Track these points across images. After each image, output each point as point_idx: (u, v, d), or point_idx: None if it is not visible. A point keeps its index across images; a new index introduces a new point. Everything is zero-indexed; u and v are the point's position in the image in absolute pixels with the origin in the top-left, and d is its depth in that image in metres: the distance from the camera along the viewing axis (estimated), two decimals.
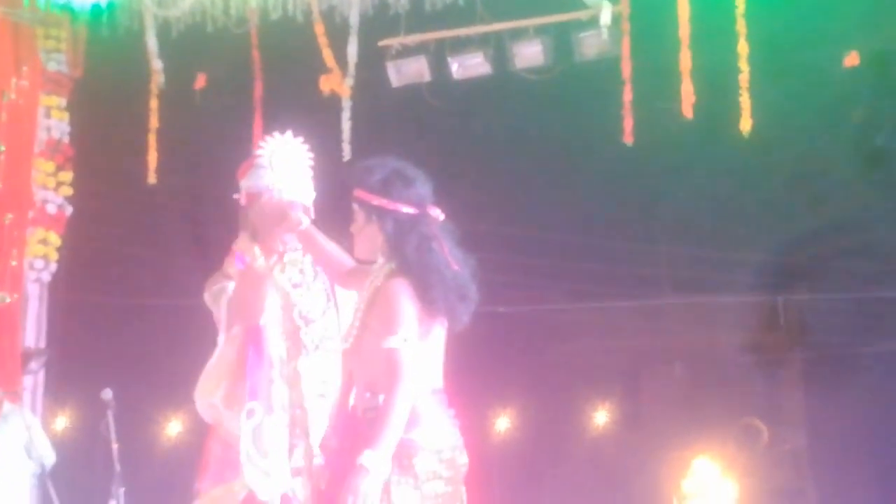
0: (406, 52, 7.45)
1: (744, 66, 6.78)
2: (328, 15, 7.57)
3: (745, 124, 6.77)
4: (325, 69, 7.61)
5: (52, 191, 8.12)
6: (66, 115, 8.25)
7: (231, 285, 3.82)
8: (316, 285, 3.93)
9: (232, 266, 3.89)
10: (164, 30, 7.80)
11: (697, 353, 8.09)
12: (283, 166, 3.75)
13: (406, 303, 3.30)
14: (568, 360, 8.17)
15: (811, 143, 7.14)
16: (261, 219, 3.69)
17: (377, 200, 3.40)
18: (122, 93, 8.06)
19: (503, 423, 8.56)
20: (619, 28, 7.06)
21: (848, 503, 7.31)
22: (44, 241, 8.04)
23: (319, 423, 3.75)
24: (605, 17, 6.97)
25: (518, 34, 7.29)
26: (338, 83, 7.59)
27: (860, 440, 7.33)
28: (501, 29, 7.31)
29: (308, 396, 3.80)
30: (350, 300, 3.82)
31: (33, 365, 7.85)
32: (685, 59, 6.86)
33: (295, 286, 3.88)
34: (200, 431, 4.03)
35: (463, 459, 3.39)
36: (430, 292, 3.32)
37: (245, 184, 3.82)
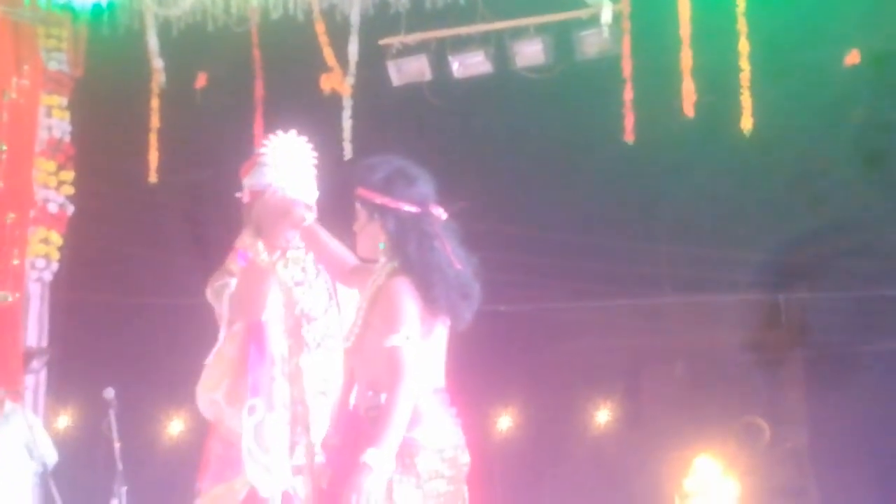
0: (407, 50, 7.46)
1: (745, 64, 6.78)
2: (329, 14, 7.58)
3: (746, 123, 6.78)
4: (325, 68, 7.62)
5: (54, 190, 8.13)
6: (67, 115, 8.26)
7: (233, 282, 3.82)
8: (318, 283, 3.93)
9: (234, 263, 3.89)
10: (164, 29, 7.81)
11: (698, 352, 8.09)
12: (286, 164, 3.75)
13: (408, 301, 3.30)
14: (569, 359, 8.16)
15: (812, 142, 7.14)
16: (264, 214, 3.69)
17: (379, 199, 3.40)
18: (122, 92, 8.07)
19: (504, 422, 8.56)
20: (619, 27, 7.06)
21: (849, 501, 7.31)
22: (45, 241, 8.05)
23: (321, 421, 3.75)
24: (606, 16, 6.97)
25: (519, 33, 7.29)
26: (338, 82, 7.59)
27: (861, 439, 7.32)
28: (502, 28, 7.32)
29: (309, 393, 3.80)
30: (352, 299, 3.83)
31: (35, 364, 7.86)
32: (686, 58, 6.86)
33: (297, 284, 3.88)
34: (202, 430, 4.03)
35: (465, 458, 3.39)
36: (432, 291, 3.32)
37: (248, 181, 3.82)
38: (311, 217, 3.71)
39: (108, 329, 8.33)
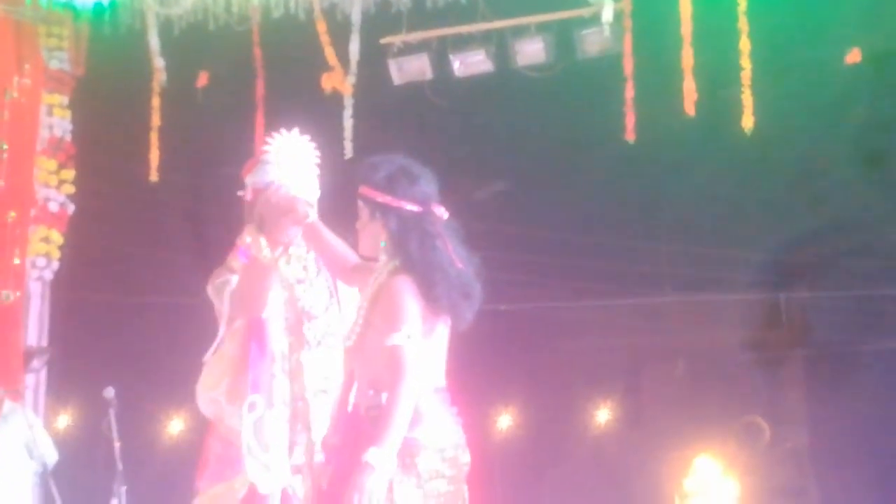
0: (408, 49, 7.45)
1: (746, 63, 6.78)
2: (330, 13, 7.57)
3: (747, 122, 6.77)
4: (326, 67, 7.61)
5: (55, 189, 8.12)
6: (68, 114, 8.25)
7: (234, 279, 3.82)
8: (319, 281, 3.93)
9: (236, 260, 3.89)
10: (165, 28, 7.80)
11: (699, 352, 8.09)
12: (289, 163, 3.75)
13: (409, 300, 3.30)
14: (569, 359, 8.16)
15: (813, 142, 7.14)
16: (268, 210, 3.68)
17: (381, 197, 3.40)
18: (124, 91, 8.06)
19: (505, 421, 8.56)
20: (620, 25, 7.06)
21: (849, 501, 7.31)
22: (46, 240, 8.04)
23: (321, 420, 3.75)
24: (607, 15, 6.97)
25: (520, 31, 7.29)
26: (340, 81, 7.59)
27: (861, 438, 7.32)
28: (503, 26, 7.31)
29: (310, 391, 3.80)
30: (353, 297, 3.83)
31: (35, 363, 7.86)
32: (687, 57, 6.85)
33: (298, 282, 3.88)
34: (202, 430, 4.03)
35: (465, 458, 3.39)
36: (433, 290, 3.32)
37: (251, 179, 3.82)
38: (313, 214, 3.70)
39: (109, 328, 8.33)
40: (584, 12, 7.10)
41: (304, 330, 3.86)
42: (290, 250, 3.76)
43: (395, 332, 3.25)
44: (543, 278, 7.97)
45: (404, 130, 7.24)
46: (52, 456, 6.69)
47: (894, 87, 6.87)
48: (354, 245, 3.61)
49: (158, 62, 7.91)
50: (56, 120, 8.19)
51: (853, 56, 6.76)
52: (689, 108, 6.84)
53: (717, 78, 6.88)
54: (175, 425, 8.88)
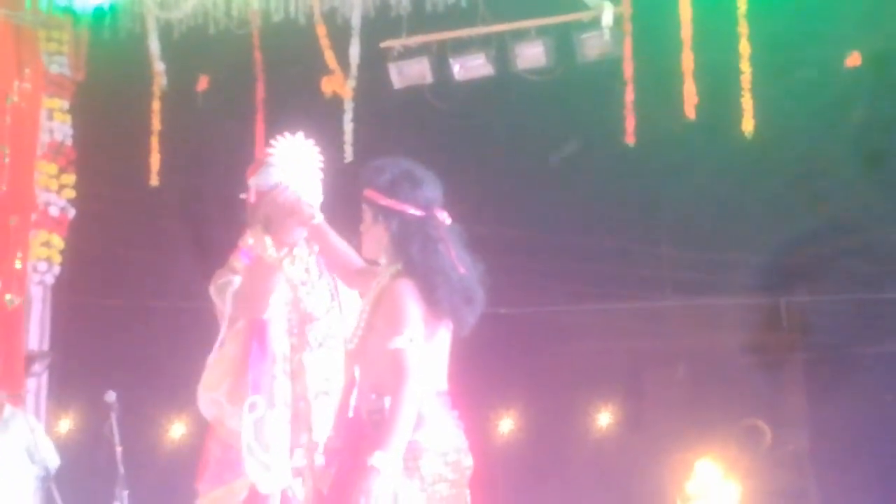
0: (408, 53, 7.46)
1: (745, 66, 6.78)
2: (330, 17, 7.58)
3: (748, 125, 6.78)
4: (327, 71, 7.62)
5: (55, 193, 8.13)
6: (68, 118, 8.27)
7: (237, 279, 3.82)
8: (321, 284, 3.94)
9: (238, 261, 3.90)
10: (166, 32, 7.82)
11: (700, 355, 8.08)
12: (293, 166, 3.75)
13: (411, 303, 3.30)
14: (570, 362, 8.16)
15: (813, 144, 7.14)
16: (274, 210, 3.68)
17: (384, 201, 3.41)
18: (124, 95, 8.07)
19: (506, 424, 8.56)
20: (620, 29, 7.07)
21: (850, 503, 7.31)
22: (47, 244, 8.05)
23: (323, 421, 3.76)
24: (607, 18, 6.98)
25: (520, 35, 7.30)
26: (340, 85, 7.60)
27: (862, 441, 7.32)
28: (503, 30, 7.32)
29: (311, 392, 3.81)
30: (354, 300, 3.84)
31: (36, 367, 7.86)
32: (687, 60, 6.86)
33: (301, 283, 3.89)
34: (203, 434, 4.03)
35: (468, 462, 3.39)
36: (434, 293, 3.32)
37: (254, 181, 3.83)
38: (319, 216, 3.71)
39: (110, 332, 8.33)
40: (584, 16, 7.11)
41: (306, 331, 3.87)
42: (294, 251, 3.76)
43: (398, 336, 3.26)
44: (544, 282, 7.97)
45: (404, 134, 7.24)
46: (53, 460, 6.70)
47: (893, 89, 6.87)
48: (358, 248, 3.62)
49: (159, 66, 7.92)
50: (56, 124, 8.21)
51: (853, 59, 6.76)
52: (689, 112, 6.85)
53: (717, 81, 6.88)
54: (177, 429, 8.87)
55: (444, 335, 3.42)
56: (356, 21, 7.56)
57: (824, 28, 6.70)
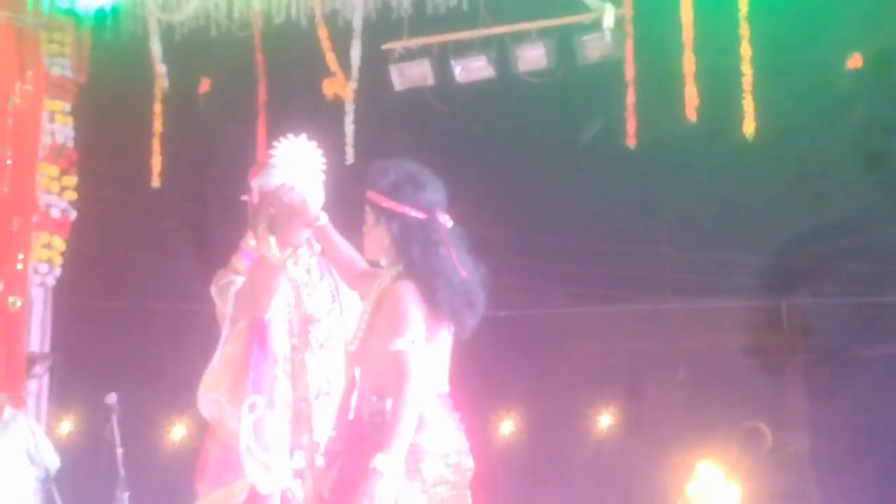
0: (409, 55, 7.46)
1: (747, 69, 6.79)
2: (331, 19, 7.59)
3: (749, 127, 6.78)
4: (328, 73, 7.63)
5: (57, 195, 8.14)
6: (70, 120, 8.28)
7: (239, 279, 3.83)
8: (322, 285, 3.95)
9: (240, 262, 3.91)
10: (167, 34, 7.82)
11: (700, 357, 8.08)
12: (296, 167, 3.76)
13: (412, 305, 3.31)
14: (571, 364, 8.16)
15: (815, 147, 7.14)
16: (280, 210, 3.68)
17: (386, 202, 3.41)
18: (125, 97, 8.08)
19: (507, 427, 8.56)
20: (621, 31, 7.07)
21: None
22: (48, 246, 8.06)
23: (323, 422, 3.76)
24: (608, 20, 6.98)
25: (521, 37, 7.30)
26: (341, 87, 7.60)
27: (863, 443, 7.32)
28: (504, 32, 7.32)
29: (313, 393, 3.81)
30: (356, 301, 3.85)
31: (38, 369, 7.87)
32: (688, 62, 6.87)
33: (303, 285, 3.90)
34: (204, 435, 4.04)
35: (469, 464, 3.39)
36: (435, 296, 3.32)
37: (257, 182, 3.83)
38: (324, 217, 3.72)
39: (111, 334, 8.33)
40: (585, 18, 7.11)
41: (307, 332, 3.87)
42: (297, 252, 3.76)
43: (399, 338, 3.26)
44: (544, 284, 7.97)
45: (405, 136, 7.25)
46: (53, 462, 6.70)
47: (895, 91, 6.88)
48: (360, 249, 3.63)
49: (160, 68, 7.93)
50: (58, 126, 8.22)
51: (854, 61, 6.77)
52: (691, 114, 6.85)
53: (718, 83, 6.88)
54: (177, 431, 8.87)
55: (445, 337, 3.42)
56: (357, 23, 7.57)
57: (825, 30, 6.70)
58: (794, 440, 7.77)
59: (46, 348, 8.22)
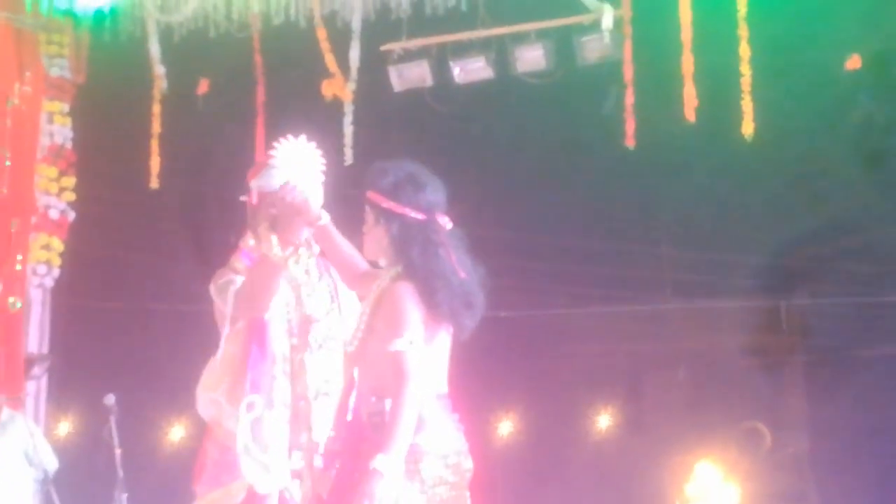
0: (408, 56, 7.46)
1: (745, 69, 6.79)
2: (330, 20, 7.59)
3: (748, 128, 6.78)
4: (327, 74, 7.63)
5: (55, 196, 8.14)
6: (68, 121, 8.28)
7: (239, 279, 3.83)
8: (321, 286, 3.95)
9: (239, 261, 3.91)
10: (166, 35, 7.82)
11: (699, 357, 8.08)
12: (297, 168, 3.76)
13: (411, 306, 3.31)
14: (570, 365, 8.15)
15: (813, 147, 7.14)
16: (282, 208, 3.68)
17: (386, 203, 3.42)
18: (124, 98, 8.08)
19: (506, 427, 8.55)
20: (620, 32, 7.07)
21: None
22: (46, 247, 8.06)
23: (322, 422, 3.76)
24: (607, 21, 6.98)
25: (520, 38, 7.30)
26: (340, 88, 7.60)
27: (862, 443, 7.31)
28: (503, 33, 7.32)
29: (312, 393, 3.81)
30: (354, 302, 3.85)
31: (36, 370, 7.87)
32: (687, 63, 6.87)
33: (302, 285, 3.90)
34: (202, 436, 4.03)
35: (468, 464, 3.39)
36: (434, 296, 3.32)
37: (256, 183, 3.83)
38: (326, 217, 3.71)
39: (109, 335, 8.33)
40: (584, 19, 7.11)
41: (306, 333, 3.87)
42: (298, 251, 3.76)
43: (398, 338, 3.26)
44: (543, 284, 7.97)
45: (404, 137, 7.25)
46: (51, 463, 6.69)
47: (895, 92, 6.88)
48: (360, 249, 3.63)
49: (159, 69, 7.93)
50: (57, 127, 8.22)
51: (853, 62, 6.77)
52: (690, 115, 6.85)
53: (717, 84, 6.88)
54: (176, 432, 8.86)
55: (444, 338, 3.42)
56: (356, 24, 7.56)
57: (824, 31, 6.70)
58: (793, 440, 7.77)
59: (45, 349, 8.21)
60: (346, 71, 7.60)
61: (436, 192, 3.46)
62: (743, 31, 6.78)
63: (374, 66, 7.54)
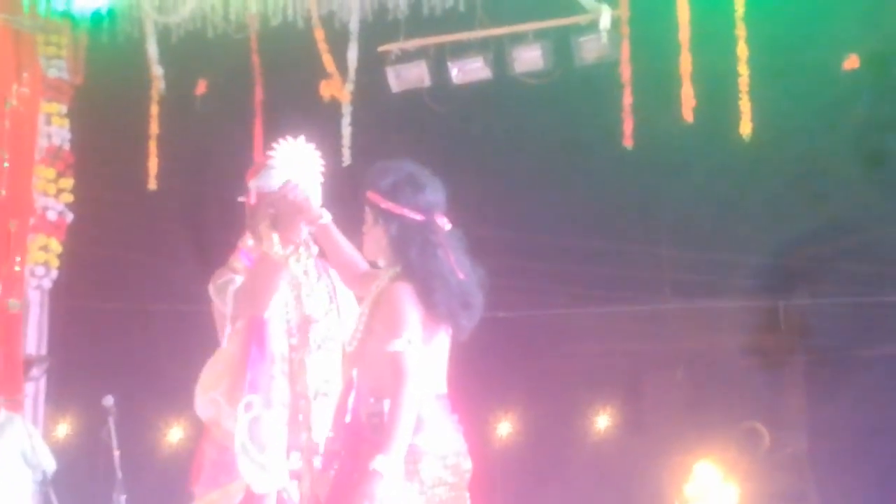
0: (406, 57, 7.46)
1: (743, 69, 6.79)
2: (328, 20, 7.58)
3: (745, 128, 6.78)
4: (325, 74, 7.63)
5: (53, 198, 8.13)
6: (66, 122, 8.27)
7: (239, 278, 3.82)
8: (319, 286, 3.95)
9: (238, 261, 3.90)
10: (164, 36, 7.81)
11: (699, 357, 8.08)
12: (296, 169, 3.76)
13: (409, 306, 3.31)
14: (569, 365, 8.15)
15: (812, 147, 7.14)
16: (283, 207, 3.68)
17: (384, 203, 3.41)
18: (122, 99, 8.07)
19: (505, 428, 8.56)
20: (618, 32, 7.07)
21: None
22: (45, 248, 8.05)
23: (321, 422, 3.76)
24: (605, 21, 6.98)
25: (518, 38, 7.30)
26: (338, 88, 7.60)
27: (861, 443, 7.32)
28: (501, 33, 7.32)
29: (311, 392, 3.81)
30: (353, 302, 3.85)
31: (35, 372, 7.86)
32: (685, 63, 6.87)
33: (301, 285, 3.90)
34: (200, 438, 4.03)
35: (467, 465, 3.39)
36: (432, 297, 3.32)
37: (255, 183, 3.83)
38: (327, 216, 3.71)
39: (108, 336, 8.32)
40: (582, 19, 7.11)
41: (305, 333, 3.87)
42: (299, 250, 3.76)
43: (396, 339, 3.26)
44: (542, 285, 7.97)
45: (402, 137, 7.24)
46: (50, 465, 6.68)
47: (892, 91, 6.88)
48: (359, 249, 3.63)
49: (157, 70, 7.92)
50: (55, 128, 8.21)
51: (851, 62, 6.77)
52: (688, 115, 6.85)
53: (715, 84, 6.88)
54: (175, 433, 8.86)
55: (443, 339, 3.42)
56: (354, 25, 7.56)
57: (822, 31, 6.71)
58: (793, 440, 7.77)
59: (43, 351, 8.20)
60: (343, 71, 7.60)
61: (435, 193, 3.45)
62: (741, 31, 6.78)
63: (372, 66, 7.54)
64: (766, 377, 7.97)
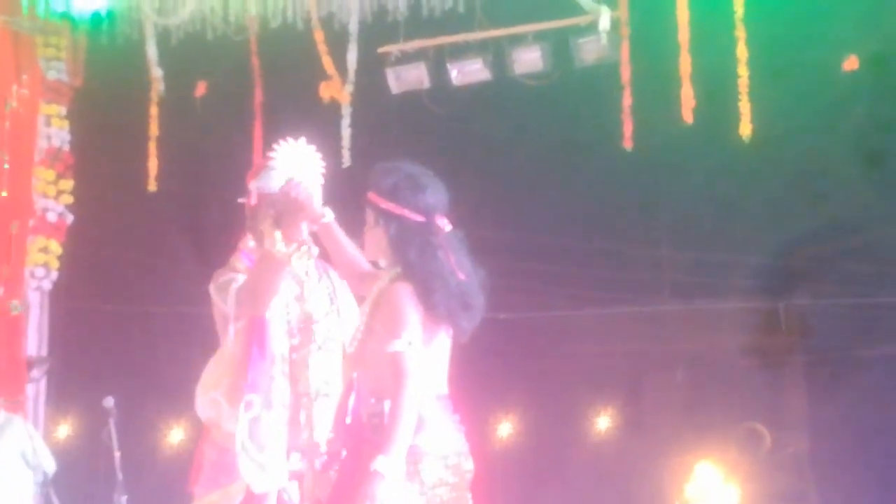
0: (405, 58, 7.46)
1: (743, 70, 6.79)
2: (327, 22, 7.59)
3: (745, 129, 6.78)
4: (324, 76, 7.63)
5: (53, 199, 8.13)
6: (66, 124, 8.27)
7: (241, 277, 3.82)
8: (320, 287, 3.95)
9: (239, 261, 3.91)
10: (163, 38, 7.82)
11: (699, 358, 8.08)
12: (296, 170, 3.76)
13: (409, 307, 3.31)
14: (569, 366, 8.15)
15: (811, 148, 7.14)
16: (286, 205, 3.68)
17: (385, 204, 3.42)
18: (122, 101, 8.08)
19: (506, 428, 8.55)
20: (618, 33, 7.07)
21: None
22: (44, 250, 8.05)
23: (321, 424, 3.76)
24: (605, 23, 6.98)
25: (517, 40, 7.30)
26: (337, 90, 7.61)
27: (862, 443, 7.32)
28: (500, 35, 7.32)
29: (312, 392, 3.81)
30: (353, 303, 3.85)
31: (35, 373, 7.86)
32: (684, 64, 6.87)
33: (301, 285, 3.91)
34: (199, 439, 4.03)
35: (468, 465, 3.39)
36: (431, 298, 3.32)
37: (256, 184, 3.83)
38: (330, 215, 3.71)
39: (108, 338, 8.32)
40: (582, 21, 7.11)
41: (306, 332, 3.87)
42: (301, 248, 3.76)
43: (396, 339, 3.26)
44: (543, 286, 7.96)
45: (402, 139, 7.25)
46: (50, 466, 6.68)
47: (892, 91, 6.88)
48: (361, 250, 3.63)
49: (156, 72, 7.93)
50: (54, 130, 8.21)
51: (850, 63, 6.77)
52: (687, 116, 6.85)
53: (715, 85, 6.88)
54: (175, 434, 8.85)
55: (443, 339, 3.42)
56: (354, 26, 7.57)
57: (821, 31, 6.71)
58: (793, 441, 7.77)
59: (43, 352, 8.21)
60: (343, 73, 7.60)
61: (436, 194, 3.46)
62: (740, 32, 6.78)
63: (372, 68, 7.54)
64: (767, 378, 7.97)
